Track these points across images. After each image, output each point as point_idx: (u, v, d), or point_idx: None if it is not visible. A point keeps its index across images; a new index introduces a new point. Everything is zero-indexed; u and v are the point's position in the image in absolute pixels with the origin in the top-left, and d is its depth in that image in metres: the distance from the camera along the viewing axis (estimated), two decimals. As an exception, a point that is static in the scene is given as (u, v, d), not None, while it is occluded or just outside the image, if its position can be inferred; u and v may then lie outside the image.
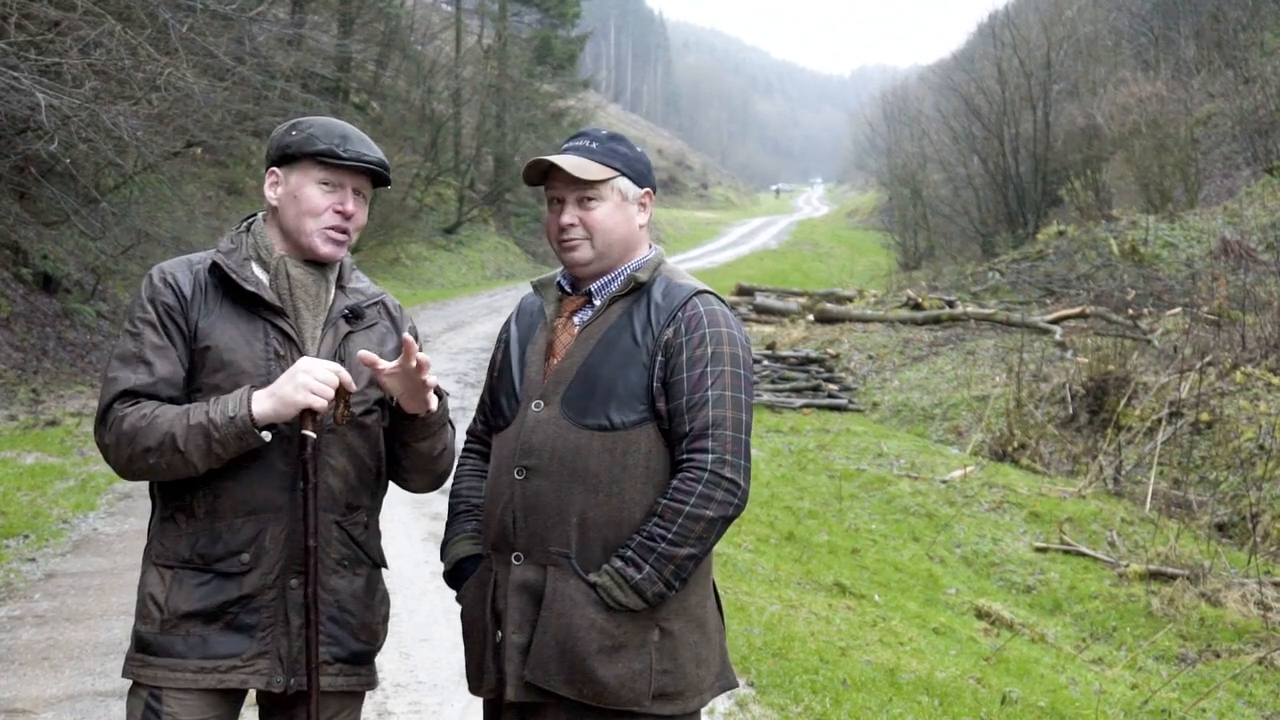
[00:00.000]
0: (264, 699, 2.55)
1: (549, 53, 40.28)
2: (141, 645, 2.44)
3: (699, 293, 2.55)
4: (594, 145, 2.59)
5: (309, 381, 2.37)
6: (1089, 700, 5.97)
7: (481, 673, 2.53)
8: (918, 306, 20.89)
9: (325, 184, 2.52)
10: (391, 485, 2.73)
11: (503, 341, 2.71)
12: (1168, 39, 34.68)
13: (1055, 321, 18.28)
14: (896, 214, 40.87)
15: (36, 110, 11.36)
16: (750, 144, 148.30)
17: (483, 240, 36.19)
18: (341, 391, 2.43)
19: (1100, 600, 8.53)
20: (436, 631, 5.62)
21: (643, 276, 2.56)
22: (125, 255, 15.86)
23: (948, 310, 20.13)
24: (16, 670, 5.11)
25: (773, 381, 16.15)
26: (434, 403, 2.53)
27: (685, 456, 2.43)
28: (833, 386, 16.39)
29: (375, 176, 2.58)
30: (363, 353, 2.45)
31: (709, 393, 2.44)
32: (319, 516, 2.44)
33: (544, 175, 2.59)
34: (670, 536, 2.38)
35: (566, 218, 2.55)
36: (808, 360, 17.21)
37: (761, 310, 22.24)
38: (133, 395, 2.40)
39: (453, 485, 2.75)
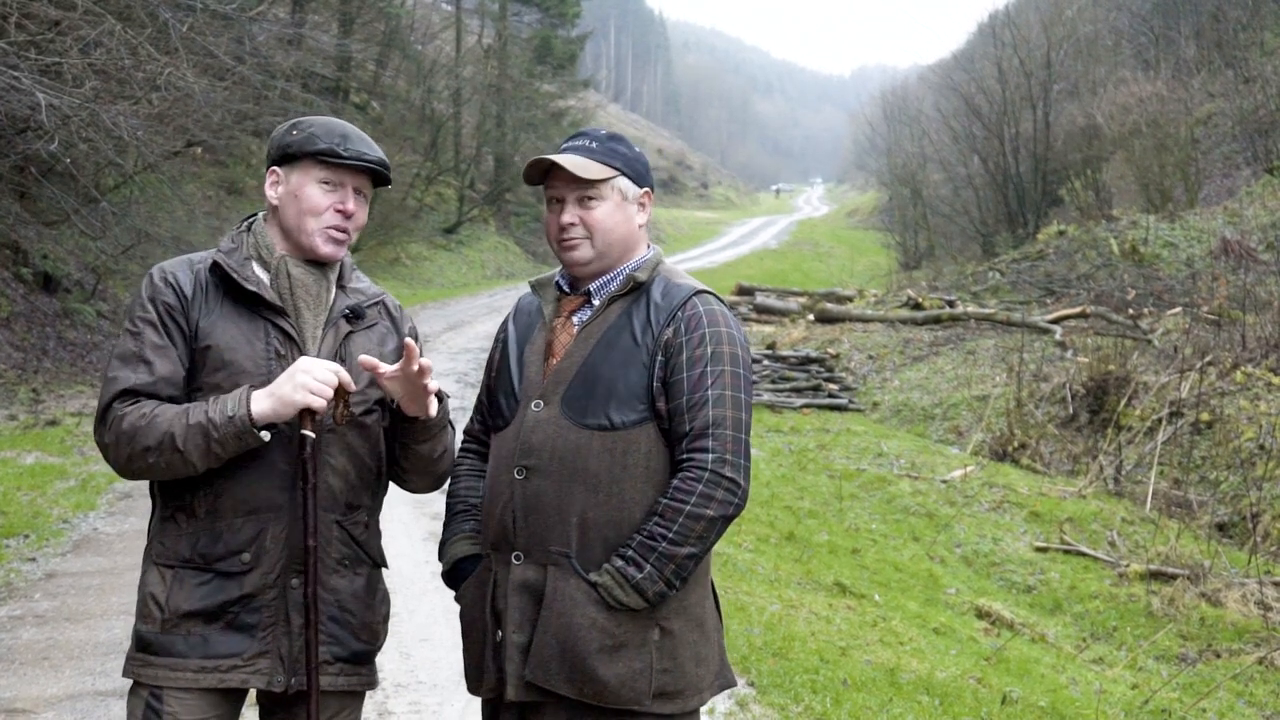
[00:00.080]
0: (264, 698, 2.55)
1: (549, 52, 40.27)
2: (142, 645, 2.43)
3: (698, 292, 2.56)
4: (594, 145, 2.59)
5: (308, 381, 2.37)
6: (1089, 700, 5.97)
7: (481, 672, 2.53)
8: (918, 306, 20.89)
9: (326, 183, 2.52)
10: (391, 485, 2.73)
11: (500, 341, 2.71)
12: (1168, 39, 34.67)
13: (1055, 321, 18.27)
14: (896, 214, 40.86)
15: (37, 110, 11.36)
16: (750, 144, 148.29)
17: (483, 240, 36.19)
18: (341, 391, 2.42)
19: (1100, 600, 8.53)
20: (437, 631, 5.62)
21: (642, 276, 2.56)
22: (125, 255, 15.86)
23: (948, 310, 20.13)
24: (17, 670, 5.11)
25: (773, 381, 16.15)
26: (434, 406, 2.53)
27: (685, 456, 2.43)
28: (833, 386, 16.39)
29: (376, 176, 2.58)
30: (363, 357, 2.45)
31: (709, 392, 2.44)
32: (319, 516, 2.44)
33: (544, 175, 2.59)
34: (671, 536, 2.38)
35: (567, 217, 2.55)
36: (808, 360, 17.21)
37: (761, 310, 22.24)
38: (132, 394, 2.40)
39: (450, 485, 2.74)
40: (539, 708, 2.45)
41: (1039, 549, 9.64)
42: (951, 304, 20.77)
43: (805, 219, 66.51)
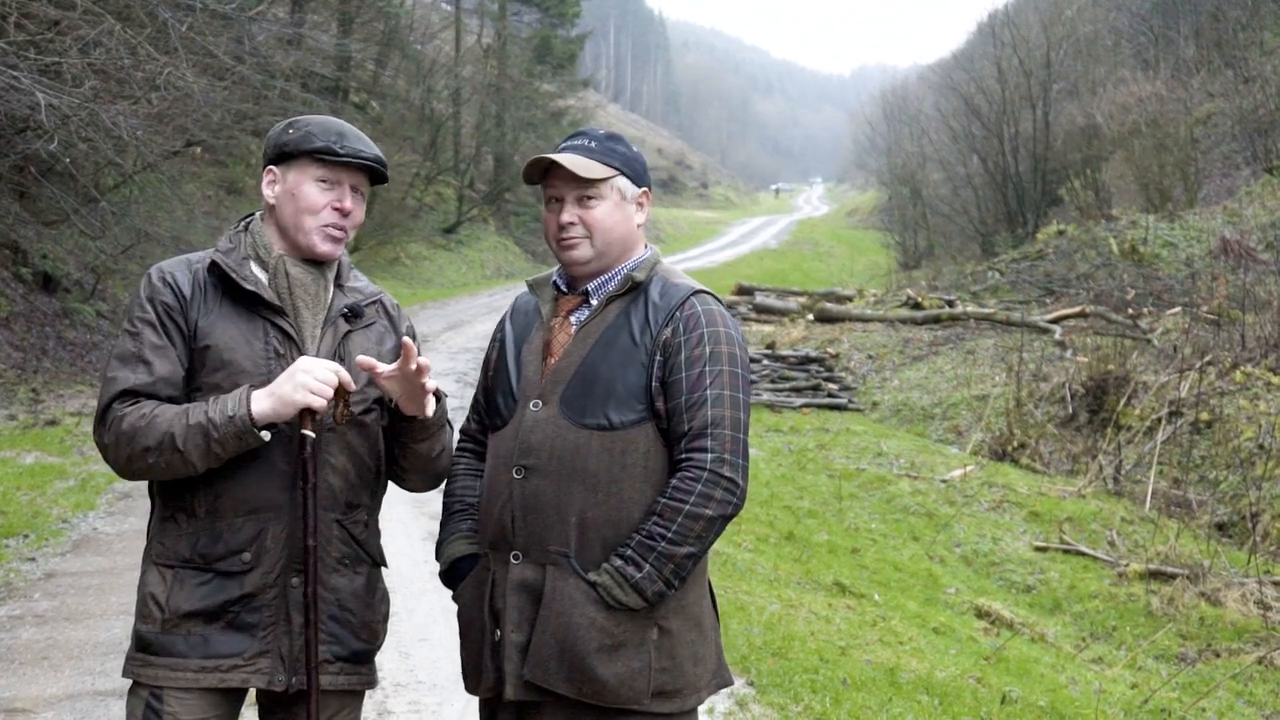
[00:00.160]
0: (264, 698, 2.55)
1: (549, 52, 40.26)
2: (142, 645, 2.43)
3: (696, 292, 2.56)
4: (593, 144, 2.59)
5: (308, 381, 2.37)
6: (1089, 700, 5.97)
7: (479, 671, 2.53)
8: (917, 306, 20.89)
9: (323, 181, 2.52)
10: (390, 485, 2.73)
11: (497, 340, 2.71)
12: (1167, 38, 34.68)
13: (1055, 321, 18.28)
14: (896, 213, 40.86)
15: (36, 109, 11.36)
16: (750, 143, 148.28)
17: (482, 240, 36.19)
18: (341, 391, 2.42)
19: (1100, 600, 8.53)
20: (436, 631, 5.62)
21: (640, 276, 2.56)
22: (125, 255, 15.86)
23: (947, 310, 20.13)
24: (16, 670, 5.11)
25: (772, 381, 16.15)
26: (432, 405, 2.53)
27: (684, 456, 2.43)
28: (832, 386, 16.39)
29: (373, 173, 2.58)
30: (361, 358, 2.45)
31: (707, 392, 2.44)
32: (319, 515, 2.44)
33: (543, 174, 2.59)
34: (670, 535, 2.38)
35: (566, 216, 2.55)
36: (807, 360, 17.21)
37: (761, 310, 22.24)
38: (132, 395, 2.40)
39: (447, 484, 2.74)
40: (537, 707, 2.45)
41: (1038, 548, 9.64)
42: (951, 304, 20.77)
43: (805, 219, 66.51)
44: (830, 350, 18.23)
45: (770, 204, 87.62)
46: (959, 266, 27.77)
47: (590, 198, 2.54)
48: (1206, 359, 13.13)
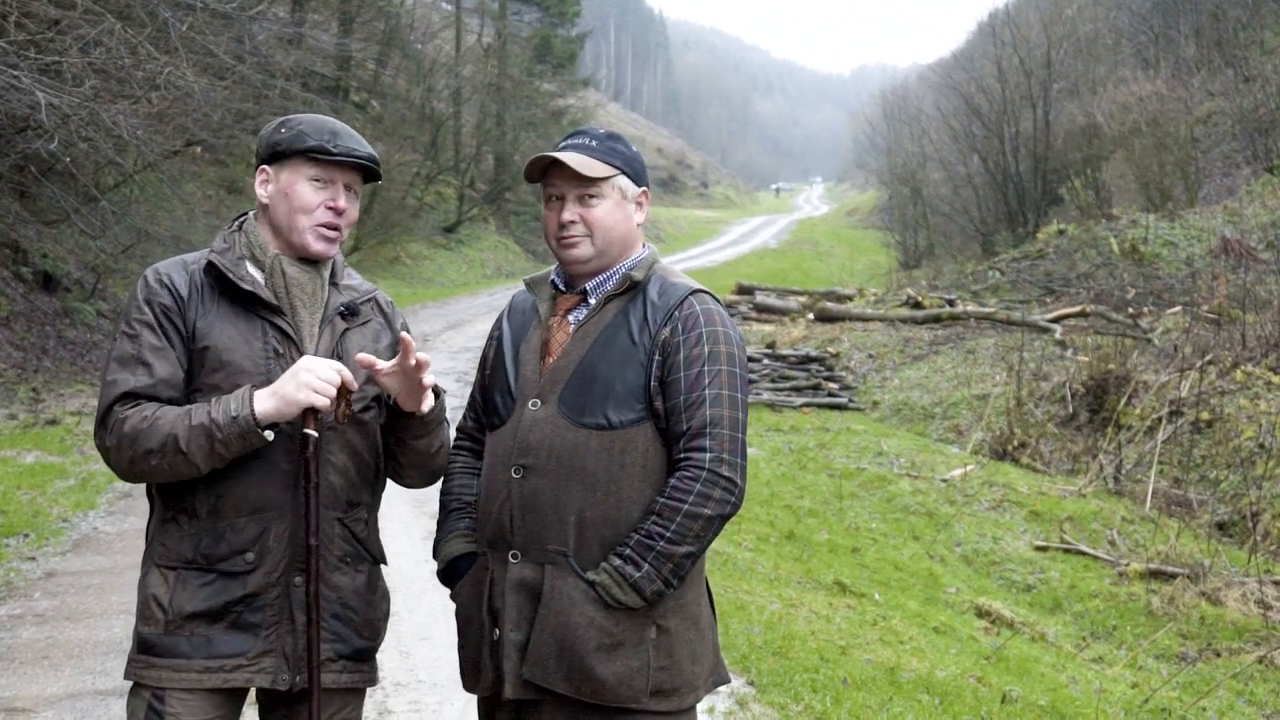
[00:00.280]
0: (264, 697, 2.55)
1: (549, 51, 40.25)
2: (145, 646, 2.43)
3: (694, 292, 2.56)
4: (594, 143, 2.59)
5: (312, 380, 2.37)
6: (1089, 699, 5.97)
7: (478, 670, 2.53)
8: (918, 305, 20.89)
9: (316, 180, 2.51)
10: (390, 484, 2.73)
11: (495, 339, 2.71)
12: (1168, 38, 34.67)
13: (1055, 320, 18.27)
14: (896, 213, 40.85)
15: (36, 109, 11.36)
16: (750, 143, 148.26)
17: (483, 239, 36.19)
18: (343, 390, 2.43)
19: (1100, 599, 8.53)
20: (436, 630, 5.62)
21: (638, 275, 2.56)
22: (125, 254, 15.86)
23: (948, 309, 20.13)
24: (16, 669, 5.11)
25: (773, 380, 16.15)
26: (430, 401, 2.53)
27: (683, 455, 2.43)
28: (833, 385, 16.39)
29: (366, 172, 2.57)
30: (361, 355, 2.45)
31: (706, 392, 2.44)
32: (321, 514, 2.44)
33: (543, 172, 2.59)
34: (669, 535, 2.38)
35: (567, 214, 2.55)
36: (808, 359, 17.21)
37: (761, 309, 22.24)
38: (133, 397, 2.39)
39: (444, 482, 2.74)
40: (536, 706, 2.46)
41: (1039, 548, 9.64)
42: (951, 303, 20.77)
43: (805, 218, 66.50)
44: (830, 350, 18.23)
45: (770, 203, 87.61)
46: (959, 266, 27.77)
47: (591, 196, 2.54)
48: (1207, 358, 13.13)
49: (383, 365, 2.44)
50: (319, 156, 2.49)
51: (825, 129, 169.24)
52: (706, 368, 2.46)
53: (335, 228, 2.54)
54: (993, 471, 11.85)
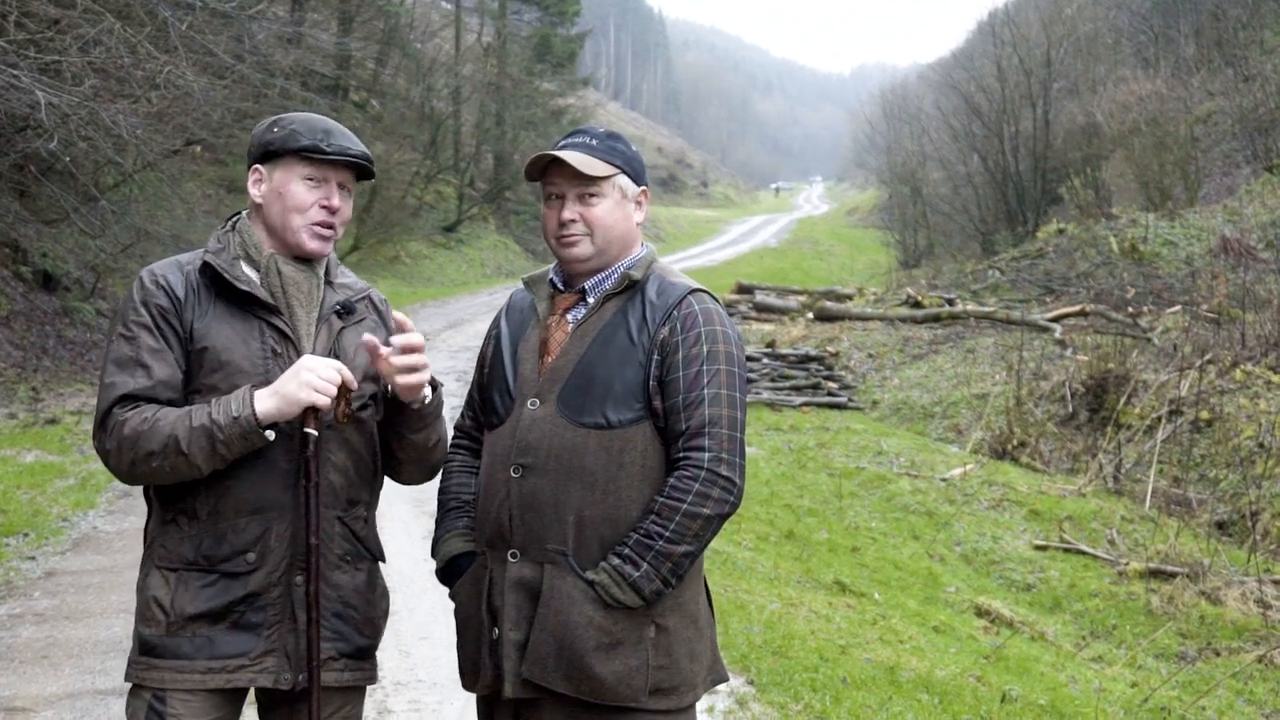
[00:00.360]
0: (264, 696, 2.55)
1: (548, 51, 40.23)
2: (146, 648, 2.42)
3: (693, 291, 2.56)
4: (594, 142, 2.59)
5: (312, 380, 2.37)
6: (1089, 698, 5.97)
7: (477, 669, 2.54)
8: (917, 304, 20.89)
9: (310, 179, 2.51)
10: (386, 485, 2.73)
11: (493, 337, 2.71)
12: (1167, 37, 34.67)
13: (1055, 319, 18.28)
14: (896, 212, 40.84)
15: (36, 108, 11.35)
16: (750, 142, 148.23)
17: (482, 238, 36.18)
18: (343, 389, 2.43)
19: (1100, 598, 8.53)
20: (436, 630, 5.61)
21: (636, 274, 2.56)
22: (125, 253, 15.86)
23: (947, 308, 20.13)
24: (16, 668, 5.11)
25: (772, 380, 16.15)
26: (429, 393, 2.54)
27: (682, 455, 2.43)
28: (832, 385, 16.39)
29: (359, 170, 2.57)
30: (366, 336, 2.46)
31: (705, 391, 2.44)
32: (321, 513, 2.45)
33: (543, 171, 2.59)
34: (667, 534, 2.38)
35: (567, 213, 2.55)
36: (807, 358, 17.21)
37: (761, 308, 22.24)
38: (132, 399, 2.39)
39: (442, 481, 2.75)
40: (535, 704, 2.46)
41: (1038, 547, 9.64)
42: (951, 302, 20.77)
43: (805, 217, 66.48)
44: (830, 349, 18.22)
45: (770, 203, 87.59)
46: (959, 265, 27.78)
47: (592, 195, 2.55)
48: (1206, 358, 13.13)
49: (385, 349, 2.45)
50: (312, 156, 2.49)
51: (825, 128, 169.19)
52: (705, 367, 2.46)
53: (330, 226, 2.54)
54: (992, 471, 11.86)
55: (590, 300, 2.58)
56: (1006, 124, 31.92)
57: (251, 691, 2.50)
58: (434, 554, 2.67)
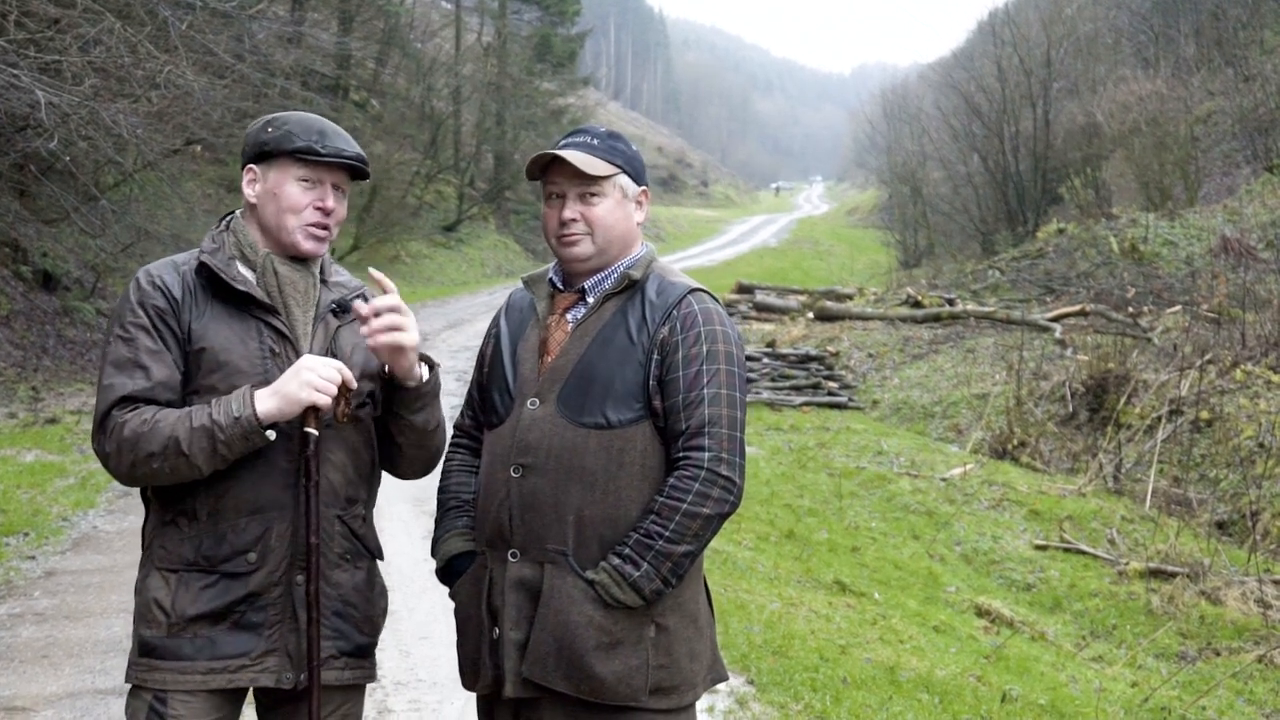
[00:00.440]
0: (263, 696, 2.55)
1: (549, 50, 40.25)
2: (147, 649, 2.42)
3: (693, 290, 2.56)
4: (596, 142, 2.59)
5: (313, 379, 2.37)
6: (1089, 698, 5.97)
7: (477, 668, 2.54)
8: (918, 304, 20.89)
9: (305, 180, 2.51)
10: (386, 485, 2.73)
11: (492, 337, 2.71)
12: (1168, 37, 34.67)
13: (1055, 319, 18.28)
14: (896, 212, 40.86)
15: (36, 108, 11.35)
16: (750, 142, 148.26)
17: (483, 238, 36.19)
18: (343, 389, 2.43)
19: (1100, 598, 8.53)
20: (436, 629, 5.61)
21: (636, 274, 2.56)
22: (125, 253, 15.86)
23: (948, 308, 20.13)
24: (16, 668, 5.11)
25: (773, 379, 16.15)
26: (425, 371, 2.53)
27: (681, 454, 2.43)
28: (833, 384, 16.38)
29: (353, 170, 2.56)
30: (371, 269, 2.48)
31: (705, 391, 2.44)
32: (321, 512, 2.45)
33: (544, 170, 2.59)
34: (667, 534, 2.38)
35: (568, 212, 2.55)
36: (808, 358, 17.21)
37: (761, 308, 22.24)
38: (131, 401, 2.38)
39: (441, 480, 2.75)
40: (536, 704, 2.46)
41: (1038, 547, 9.64)
42: (951, 302, 20.77)
43: (805, 217, 66.49)
44: (830, 349, 18.22)
45: (770, 202, 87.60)
46: (959, 265, 27.78)
47: (592, 195, 2.54)
48: (1207, 357, 13.13)
49: (364, 309, 2.43)
50: (307, 157, 2.49)
51: (825, 128, 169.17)
52: (705, 367, 2.46)
53: (325, 227, 2.53)
54: (992, 470, 11.85)
55: (590, 300, 2.58)
56: (1007, 124, 31.92)
57: (250, 691, 2.50)
58: (434, 553, 2.67)
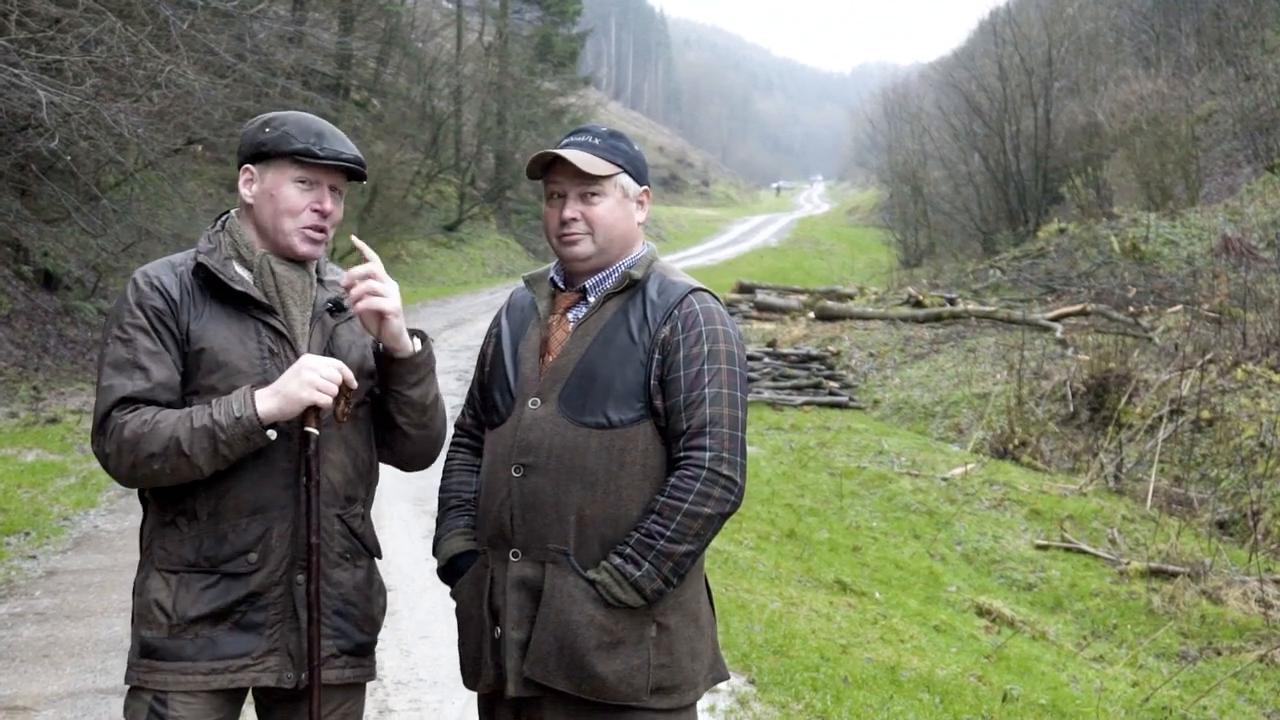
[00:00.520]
0: (263, 696, 2.55)
1: (550, 50, 40.26)
2: (148, 650, 2.41)
3: (694, 290, 2.56)
4: (597, 141, 2.59)
5: (314, 379, 2.37)
6: (1090, 698, 5.97)
7: (478, 668, 2.54)
8: (919, 304, 20.88)
9: (302, 182, 2.50)
10: (386, 484, 2.72)
11: (494, 336, 2.71)
12: (1169, 36, 34.65)
13: (1056, 319, 18.27)
14: (897, 211, 40.85)
15: (37, 107, 11.35)
16: (751, 141, 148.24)
17: (483, 238, 36.20)
18: (344, 388, 2.43)
19: (1101, 598, 8.52)
20: (437, 629, 5.62)
21: (637, 274, 2.56)
22: (126, 253, 15.86)
23: (948, 308, 20.13)
24: (17, 667, 5.11)
25: (774, 379, 16.15)
26: (418, 343, 2.53)
27: (683, 454, 2.43)
28: (833, 384, 16.38)
29: (350, 172, 2.56)
30: (354, 238, 2.51)
31: (706, 390, 2.44)
32: (321, 511, 2.45)
33: (545, 169, 2.59)
34: (669, 534, 2.38)
35: (569, 212, 2.55)
36: (809, 358, 17.20)
37: (762, 308, 22.23)
38: (130, 402, 2.38)
39: (443, 479, 2.75)
40: (537, 703, 2.46)
41: (1039, 546, 9.64)
42: (952, 302, 20.76)
43: (806, 217, 66.48)
44: (831, 348, 18.22)
45: (771, 202, 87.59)
46: (960, 264, 27.77)
47: (594, 194, 2.54)
48: (1208, 357, 13.13)
49: (344, 278, 2.46)
50: (305, 159, 2.48)
51: (826, 127, 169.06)
52: (706, 366, 2.46)
53: (322, 229, 2.53)
54: (993, 470, 11.85)
55: (591, 299, 2.58)
56: (1008, 123, 31.92)
57: (250, 691, 2.50)
58: (435, 553, 2.67)
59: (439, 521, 2.70)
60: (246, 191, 2.53)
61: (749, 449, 2.58)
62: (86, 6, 12.32)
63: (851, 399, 16.03)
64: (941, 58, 58.19)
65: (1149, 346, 15.53)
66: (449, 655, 5.25)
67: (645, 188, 2.65)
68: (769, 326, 20.64)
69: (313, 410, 2.40)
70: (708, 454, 2.41)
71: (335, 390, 2.40)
